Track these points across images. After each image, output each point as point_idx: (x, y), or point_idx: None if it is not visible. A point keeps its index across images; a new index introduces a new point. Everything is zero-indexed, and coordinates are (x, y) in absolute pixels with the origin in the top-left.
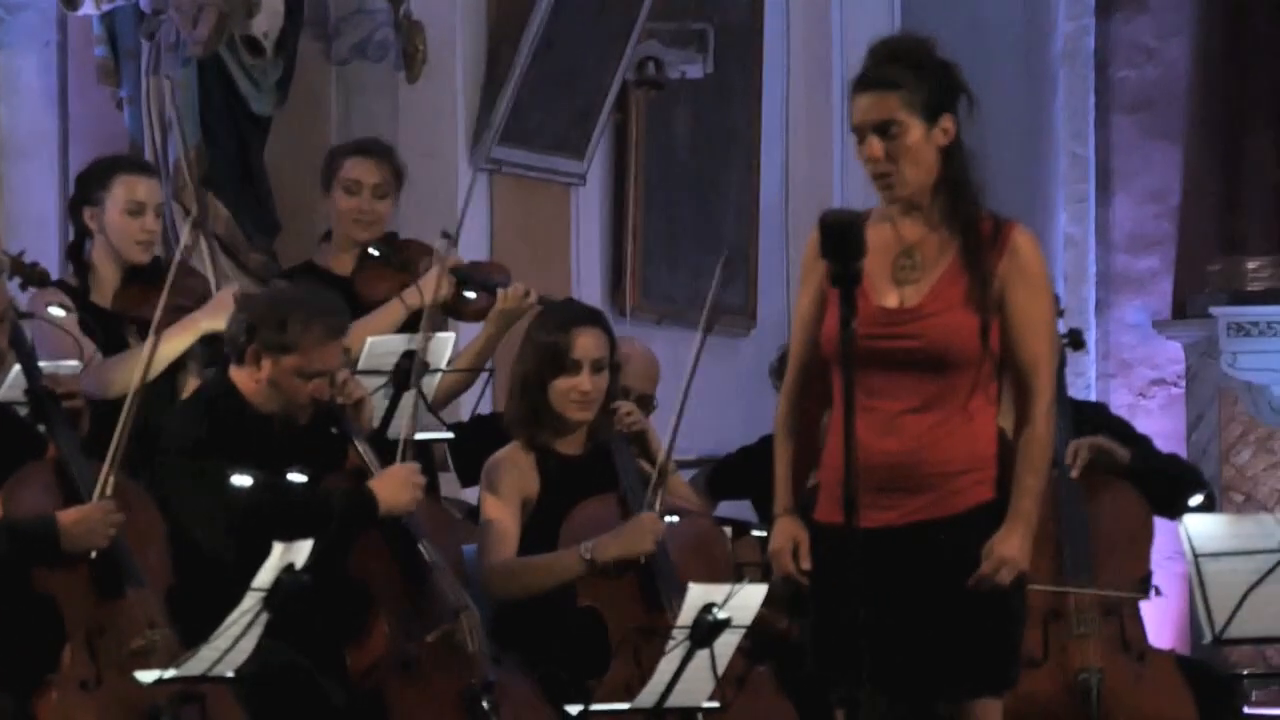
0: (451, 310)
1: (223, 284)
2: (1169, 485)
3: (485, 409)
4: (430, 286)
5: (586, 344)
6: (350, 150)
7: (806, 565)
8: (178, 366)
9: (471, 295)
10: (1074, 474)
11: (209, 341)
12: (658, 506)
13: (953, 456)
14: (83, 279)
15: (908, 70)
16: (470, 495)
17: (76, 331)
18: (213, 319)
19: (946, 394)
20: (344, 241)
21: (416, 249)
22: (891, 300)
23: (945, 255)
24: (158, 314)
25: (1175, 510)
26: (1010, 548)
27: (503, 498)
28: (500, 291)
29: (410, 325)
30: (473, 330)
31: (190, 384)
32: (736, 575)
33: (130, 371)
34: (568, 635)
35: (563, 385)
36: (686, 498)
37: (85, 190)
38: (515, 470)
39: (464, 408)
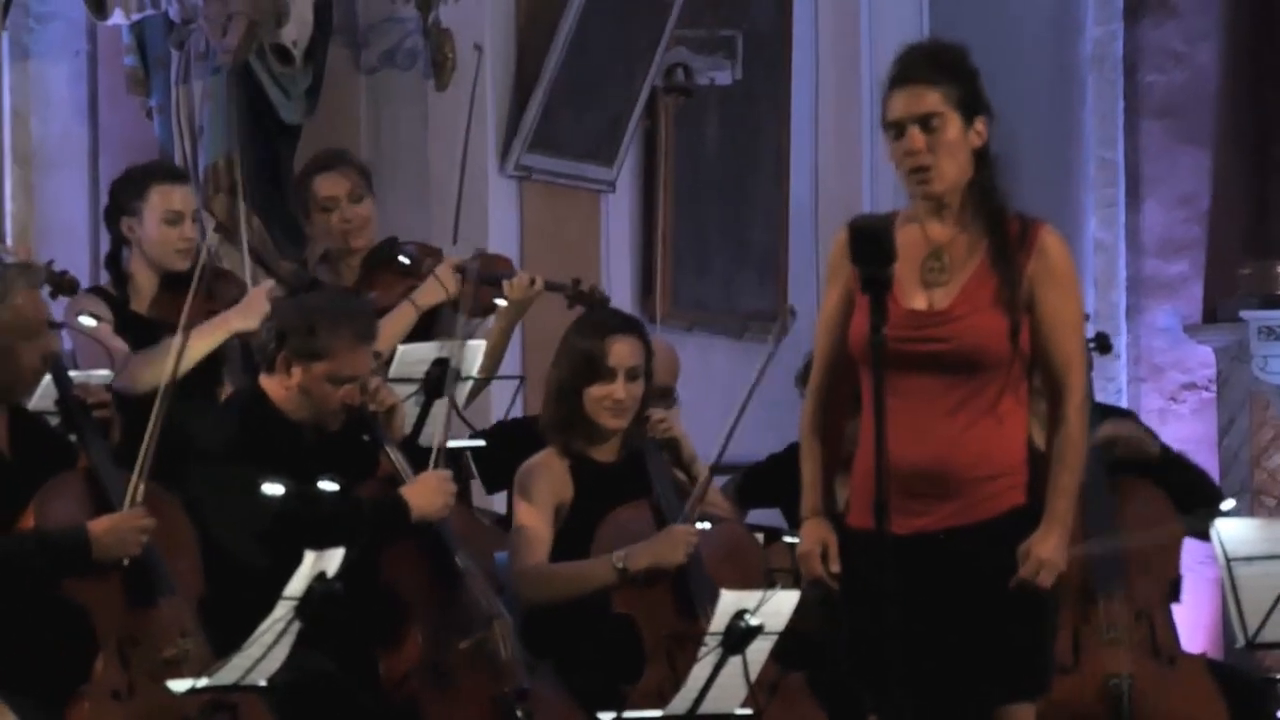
0: (459, 305)
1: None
2: (1196, 501)
3: (512, 417)
4: (438, 286)
5: (621, 351)
6: (312, 171)
7: (836, 567)
8: (215, 379)
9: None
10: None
11: (249, 353)
12: (693, 518)
13: (983, 460)
14: (121, 287)
15: (945, 70)
16: (497, 502)
17: (108, 339)
18: (244, 318)
19: (976, 396)
20: (342, 254)
21: (420, 251)
22: (920, 302)
23: (974, 256)
24: (185, 312)
25: (1203, 530)
26: (1048, 549)
27: (536, 503)
28: (506, 283)
29: (421, 326)
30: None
31: (225, 393)
32: (768, 581)
33: (159, 368)
34: (601, 641)
35: (597, 392)
36: (720, 505)
37: (121, 200)
38: (550, 475)
39: (492, 413)
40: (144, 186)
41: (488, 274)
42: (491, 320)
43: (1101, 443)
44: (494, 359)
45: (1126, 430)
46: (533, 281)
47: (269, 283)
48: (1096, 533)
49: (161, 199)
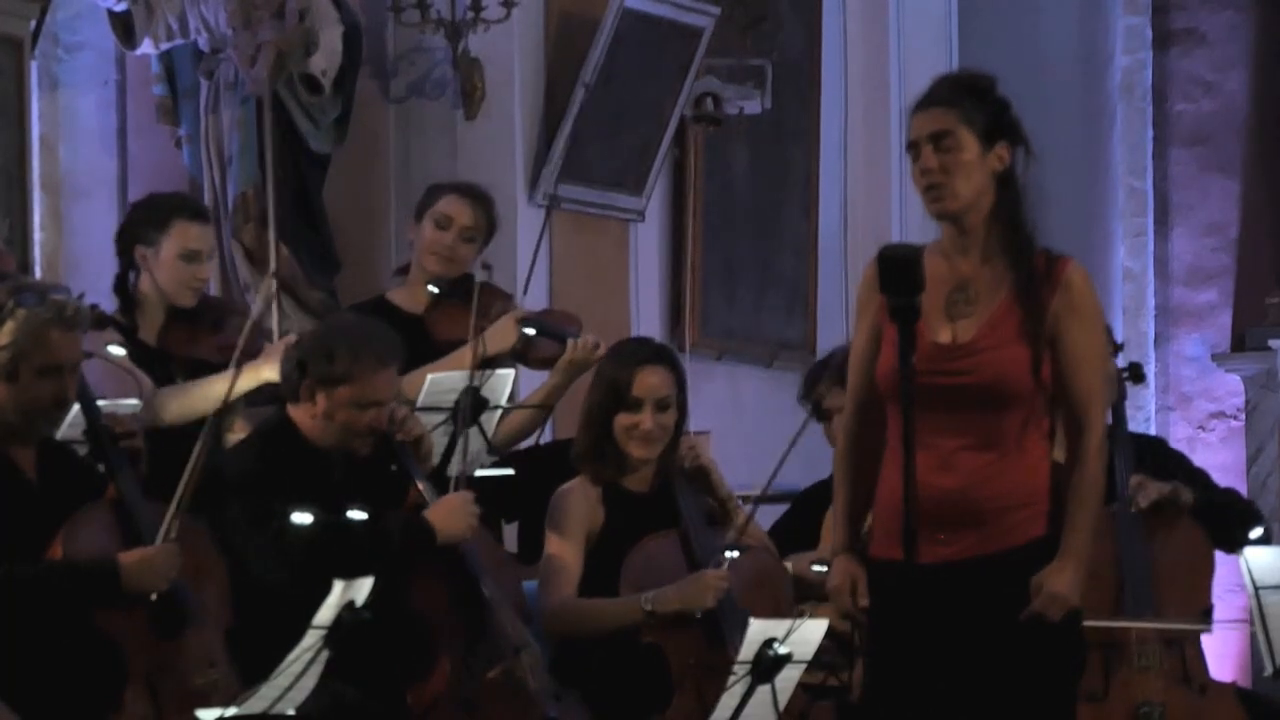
0: (519, 357)
1: (284, 325)
2: (1228, 520)
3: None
4: (499, 334)
5: (649, 382)
6: (452, 188)
7: (864, 602)
8: (224, 409)
9: (530, 331)
10: (1134, 509)
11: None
12: (725, 558)
13: (1006, 492)
14: (129, 315)
15: (966, 94)
16: (511, 530)
17: (133, 367)
18: (274, 369)
19: (1000, 429)
20: (420, 275)
21: (490, 294)
22: (944, 335)
23: (999, 290)
24: (239, 348)
25: (1234, 545)
26: (1060, 584)
27: (566, 533)
28: (570, 341)
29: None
30: (538, 377)
31: (237, 425)
32: (797, 611)
33: (183, 401)
34: (629, 671)
35: (624, 421)
36: (755, 536)
37: (140, 228)
38: (581, 503)
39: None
40: (166, 219)
41: (554, 330)
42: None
43: (1141, 509)
44: (544, 413)
45: (1157, 489)
46: (597, 346)
47: (292, 336)
48: (1130, 569)
49: (182, 236)
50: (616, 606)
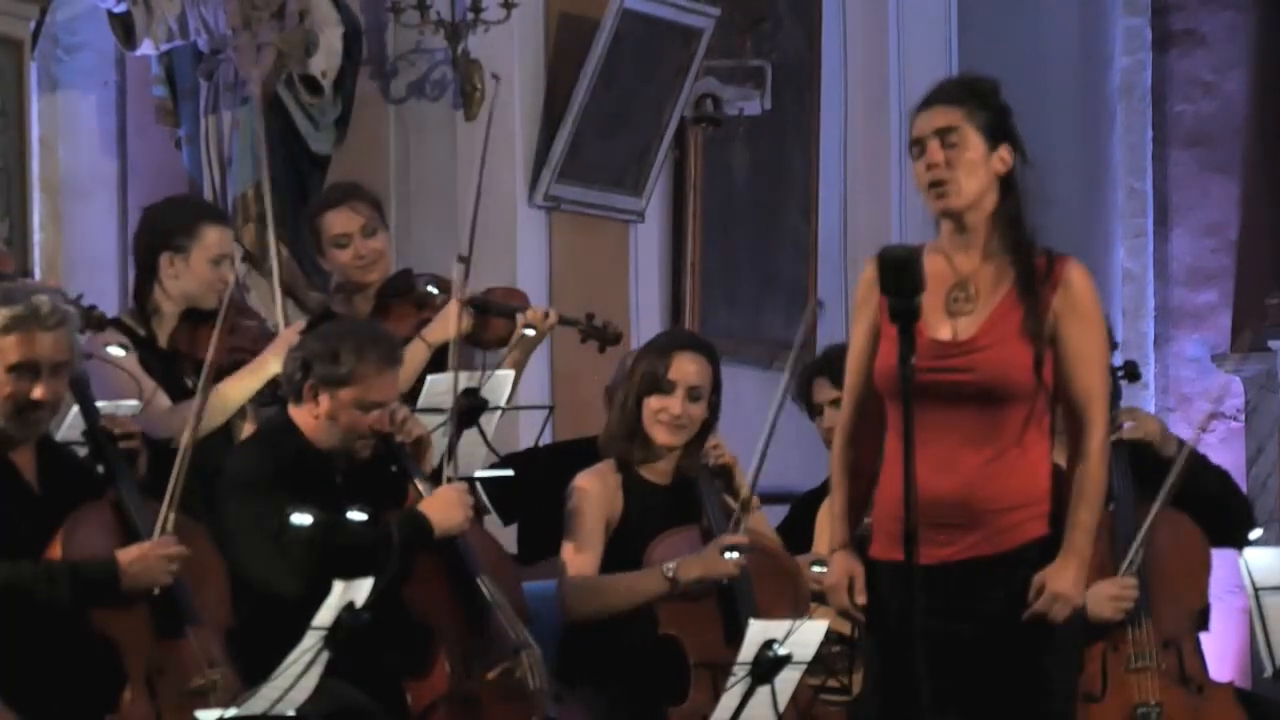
0: (473, 339)
1: (288, 324)
2: (1220, 510)
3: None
4: (448, 321)
5: (684, 367)
6: (321, 208)
7: (862, 599)
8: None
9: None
10: (1116, 436)
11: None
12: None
13: (1007, 491)
14: (146, 322)
15: (971, 95)
16: (511, 533)
17: (136, 370)
18: (280, 361)
19: (1000, 428)
20: (354, 288)
21: (437, 282)
22: (944, 333)
23: (1000, 288)
24: (209, 359)
25: (1233, 538)
26: (1063, 583)
27: (586, 516)
28: (519, 315)
29: (436, 360)
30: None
31: (245, 425)
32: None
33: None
34: (643, 667)
35: (655, 404)
36: (766, 534)
37: (167, 236)
38: (602, 491)
39: (520, 443)
40: (195, 224)
41: (501, 307)
42: (504, 353)
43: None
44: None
45: (1152, 427)
46: (547, 315)
47: (300, 323)
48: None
49: (213, 240)
50: (638, 577)
